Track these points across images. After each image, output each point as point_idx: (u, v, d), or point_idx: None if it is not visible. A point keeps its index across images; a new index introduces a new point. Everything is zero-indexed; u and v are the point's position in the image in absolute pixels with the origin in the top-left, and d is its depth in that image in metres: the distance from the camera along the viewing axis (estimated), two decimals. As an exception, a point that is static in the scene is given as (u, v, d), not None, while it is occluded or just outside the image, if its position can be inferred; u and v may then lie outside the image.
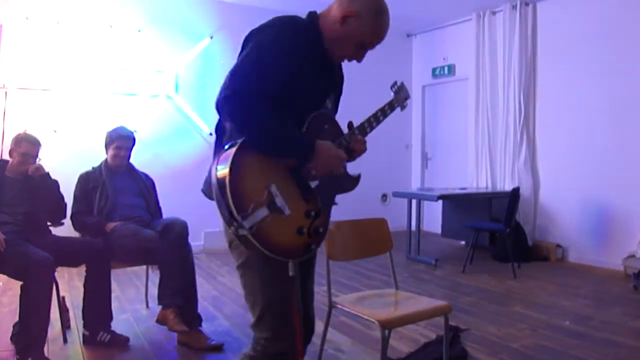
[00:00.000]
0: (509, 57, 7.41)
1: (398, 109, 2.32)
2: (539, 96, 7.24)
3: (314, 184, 1.90)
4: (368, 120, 2.16)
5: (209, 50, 7.34)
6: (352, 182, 2.13)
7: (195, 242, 5.72)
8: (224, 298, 4.96)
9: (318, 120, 1.98)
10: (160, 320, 3.69)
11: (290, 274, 1.83)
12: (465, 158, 8.16)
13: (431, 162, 9.09)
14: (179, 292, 3.68)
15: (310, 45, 1.92)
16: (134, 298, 4.84)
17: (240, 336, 3.92)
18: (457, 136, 8.42)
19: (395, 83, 2.31)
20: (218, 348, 3.66)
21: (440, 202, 7.31)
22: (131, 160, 4.28)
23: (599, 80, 6.43)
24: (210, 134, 7.25)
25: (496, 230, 6.56)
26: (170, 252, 3.68)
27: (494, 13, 7.73)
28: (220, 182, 1.70)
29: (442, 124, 8.79)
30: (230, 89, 1.74)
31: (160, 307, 3.72)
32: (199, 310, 3.87)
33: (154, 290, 3.90)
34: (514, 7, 7.33)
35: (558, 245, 6.90)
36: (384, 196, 8.48)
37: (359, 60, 2.03)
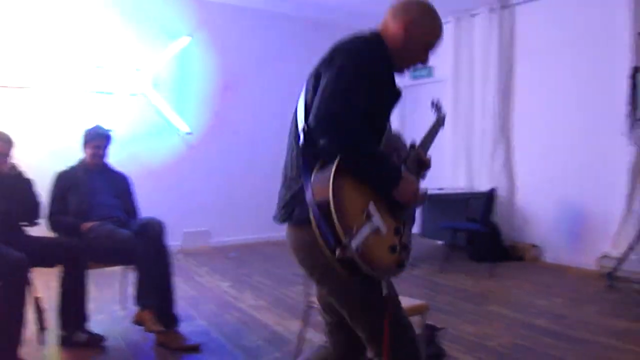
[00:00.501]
0: (487, 60, 7.49)
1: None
2: (516, 99, 7.32)
3: (398, 201, 1.90)
4: (427, 138, 2.33)
5: (188, 49, 7.30)
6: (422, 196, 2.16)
7: (173, 242, 5.68)
8: (201, 298, 4.94)
9: (391, 140, 2.02)
10: (137, 321, 3.68)
11: (384, 292, 1.83)
12: (443, 159, 8.21)
13: (409, 163, 9.11)
14: (155, 293, 3.67)
15: (385, 63, 1.99)
16: (111, 299, 4.80)
17: (218, 336, 3.92)
18: (435, 137, 8.43)
19: (433, 102, 2.47)
20: (195, 348, 3.65)
21: (418, 202, 7.35)
22: (108, 160, 4.25)
23: (575, 83, 6.52)
24: (189, 134, 7.22)
25: (473, 231, 6.63)
26: (146, 252, 3.66)
27: (472, 16, 7.80)
28: (324, 205, 1.69)
29: (421, 125, 8.77)
30: (328, 110, 1.74)
31: (137, 307, 3.70)
32: (177, 310, 3.85)
33: (131, 291, 3.88)
34: (492, 10, 7.40)
35: (534, 245, 6.98)
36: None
37: (426, 63, 2.17)
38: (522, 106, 7.25)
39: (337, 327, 2.19)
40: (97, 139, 4.09)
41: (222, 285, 5.42)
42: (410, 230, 1.98)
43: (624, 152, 5.85)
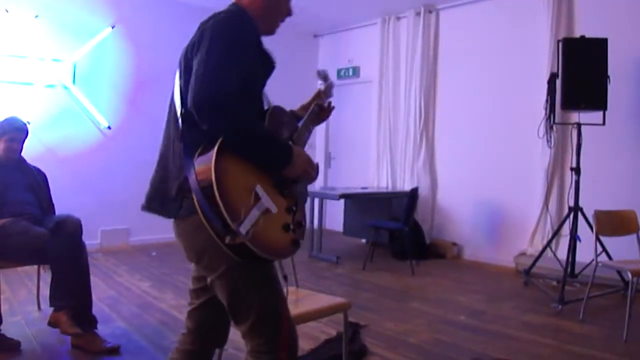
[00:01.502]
0: (412, 62, 7.63)
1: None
2: (439, 100, 7.51)
3: (285, 179, 1.87)
4: (310, 103, 2.32)
5: (109, 40, 7.05)
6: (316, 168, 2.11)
7: (91, 240, 5.50)
8: (121, 299, 4.79)
9: (276, 115, 1.96)
10: (52, 323, 3.52)
11: (282, 274, 1.80)
12: (368, 158, 8.32)
13: (334, 162, 9.20)
14: (71, 293, 3.52)
15: (250, 31, 1.89)
16: (25, 300, 4.58)
17: (139, 338, 3.81)
18: (360, 137, 8.57)
19: (319, 72, 2.42)
20: (115, 351, 3.53)
21: (342, 200, 7.42)
22: (22, 154, 4.04)
23: (495, 87, 6.76)
24: (109, 128, 6.99)
25: (395, 229, 6.73)
26: (62, 251, 3.50)
27: (398, 18, 7.94)
28: (207, 191, 1.61)
29: (346, 124, 8.91)
30: (205, 95, 1.66)
31: (52, 309, 3.55)
32: (95, 311, 3.71)
33: (46, 291, 3.69)
34: (418, 14, 7.55)
35: (454, 243, 7.18)
36: (288, 195, 8.49)
37: (291, 12, 2.10)
38: (444, 108, 7.44)
39: (198, 311, 2.15)
40: (12, 132, 3.87)
41: (143, 285, 5.28)
42: (303, 207, 1.98)
43: (541, 154, 6.10)
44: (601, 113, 5.06)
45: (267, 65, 2.00)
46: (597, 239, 4.47)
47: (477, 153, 6.95)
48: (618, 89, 5.25)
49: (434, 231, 7.44)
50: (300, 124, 2.14)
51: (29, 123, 4.08)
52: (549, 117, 5.37)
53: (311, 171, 1.91)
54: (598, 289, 4.96)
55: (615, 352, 3.73)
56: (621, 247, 4.76)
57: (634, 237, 4.59)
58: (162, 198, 1.91)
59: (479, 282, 5.84)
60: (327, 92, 2.41)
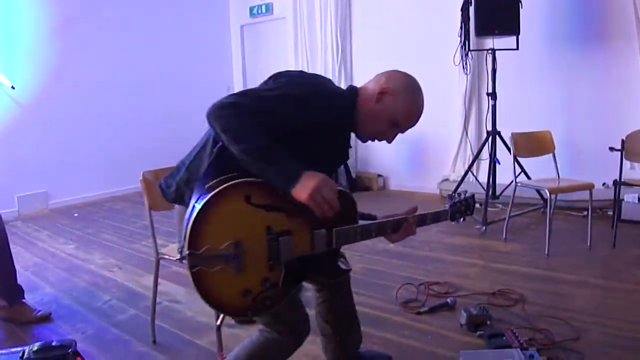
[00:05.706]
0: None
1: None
2: (355, 33, 7.46)
3: (286, 257, 1.74)
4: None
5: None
6: (335, 270, 2.05)
7: (8, 208, 5.25)
8: (46, 264, 4.62)
9: (345, 199, 1.90)
10: (-24, 301, 3.38)
11: None
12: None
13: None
14: (-8, 266, 3.37)
15: (336, 121, 1.91)
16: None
17: (69, 302, 3.71)
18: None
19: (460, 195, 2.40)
20: (46, 318, 3.43)
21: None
22: None
23: (409, 16, 6.77)
24: (13, 88, 6.49)
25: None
26: (-25, 224, 3.32)
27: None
28: (193, 208, 1.61)
29: (263, 63, 8.72)
30: (230, 99, 1.66)
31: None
32: (20, 281, 3.56)
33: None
34: None
35: (379, 175, 7.30)
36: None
37: (389, 140, 2.06)
38: (361, 40, 7.43)
39: None
40: None
41: (67, 248, 5.10)
42: (285, 292, 1.80)
43: (458, 81, 6.21)
44: (514, 38, 5.16)
45: (334, 151, 2.09)
46: (515, 160, 4.64)
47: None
48: (530, 14, 5.34)
49: (359, 164, 7.53)
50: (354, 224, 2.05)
51: None
52: (464, 44, 5.45)
53: (319, 202, 1.66)
54: (519, 208, 5.18)
55: (539, 267, 3.95)
56: (538, 167, 4.97)
57: (550, 156, 4.78)
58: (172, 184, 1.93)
59: (405, 210, 5.96)
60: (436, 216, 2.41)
